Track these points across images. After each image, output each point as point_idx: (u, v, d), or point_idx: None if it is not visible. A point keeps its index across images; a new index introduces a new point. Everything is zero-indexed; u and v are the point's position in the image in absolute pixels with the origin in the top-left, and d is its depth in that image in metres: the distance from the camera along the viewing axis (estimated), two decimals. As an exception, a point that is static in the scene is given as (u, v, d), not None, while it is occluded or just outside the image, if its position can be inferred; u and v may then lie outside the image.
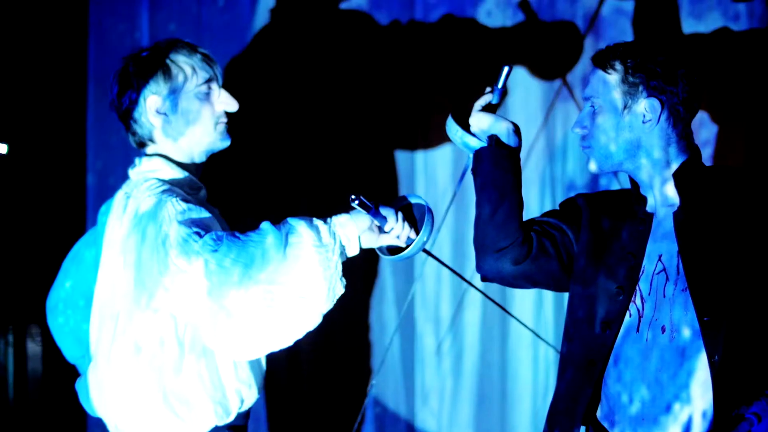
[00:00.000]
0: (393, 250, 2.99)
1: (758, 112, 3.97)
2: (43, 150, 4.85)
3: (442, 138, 4.49)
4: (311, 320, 2.71)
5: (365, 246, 2.84)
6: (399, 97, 4.57)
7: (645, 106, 2.70)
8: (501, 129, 2.87)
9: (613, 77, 2.72)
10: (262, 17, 4.72)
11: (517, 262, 2.86)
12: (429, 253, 3.07)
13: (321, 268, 2.67)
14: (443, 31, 4.48)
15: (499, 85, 2.89)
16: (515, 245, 2.85)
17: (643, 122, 2.71)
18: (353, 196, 2.72)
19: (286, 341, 2.72)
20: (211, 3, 4.81)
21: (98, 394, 2.88)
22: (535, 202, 4.33)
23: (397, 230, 2.89)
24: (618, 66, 2.72)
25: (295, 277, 2.64)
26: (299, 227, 2.70)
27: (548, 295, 4.33)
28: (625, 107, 2.71)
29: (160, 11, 4.88)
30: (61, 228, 4.83)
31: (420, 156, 4.56)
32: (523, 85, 4.38)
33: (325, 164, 4.63)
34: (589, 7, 4.28)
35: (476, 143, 2.89)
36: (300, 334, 2.72)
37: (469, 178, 3.03)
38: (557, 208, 3.03)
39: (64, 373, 3.56)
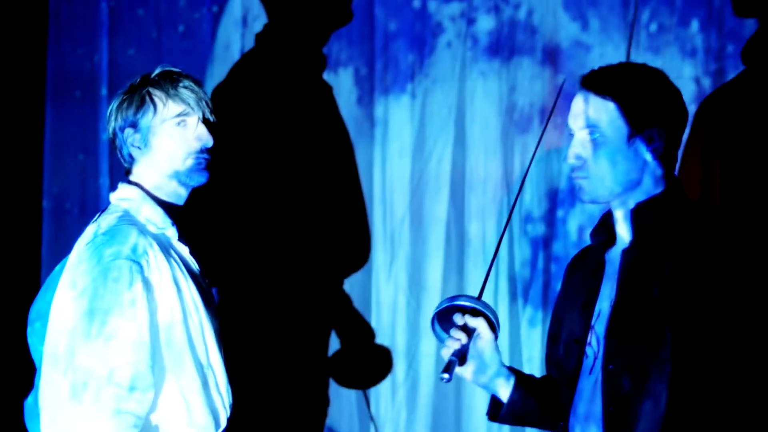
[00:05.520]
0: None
1: (714, 147, 4.00)
2: (-1, 173, 4.82)
3: (401, 160, 4.51)
4: None
5: None
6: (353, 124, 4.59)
7: (651, 133, 2.57)
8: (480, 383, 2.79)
9: (616, 104, 2.57)
10: (222, 45, 4.72)
11: None
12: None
13: None
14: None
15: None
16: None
17: (648, 150, 2.58)
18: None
19: None
20: (171, 29, 4.80)
21: (39, 425, 2.80)
22: (492, 234, 4.34)
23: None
24: (622, 92, 2.58)
25: None
26: None
27: (503, 327, 4.32)
28: (630, 136, 2.57)
29: (119, 36, 4.87)
30: (16, 252, 4.79)
31: (378, 181, 4.56)
32: (481, 116, 4.39)
33: (279, 192, 4.61)
34: (548, 39, 4.31)
35: (453, 345, 2.70)
36: None
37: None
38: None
39: (16, 397, 3.52)
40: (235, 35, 4.71)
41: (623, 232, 2.66)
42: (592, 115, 2.60)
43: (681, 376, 2.49)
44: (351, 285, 4.57)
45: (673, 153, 2.64)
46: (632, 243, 2.63)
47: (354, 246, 4.58)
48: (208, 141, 2.90)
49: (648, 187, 2.62)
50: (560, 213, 4.21)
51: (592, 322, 2.65)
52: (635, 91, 2.57)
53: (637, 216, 2.62)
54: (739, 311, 2.50)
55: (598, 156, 2.60)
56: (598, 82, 2.60)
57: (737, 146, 3.96)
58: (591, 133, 2.60)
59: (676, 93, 2.63)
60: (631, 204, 2.62)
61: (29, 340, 3.13)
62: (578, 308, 2.69)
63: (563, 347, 2.73)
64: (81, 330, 2.67)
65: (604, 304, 2.64)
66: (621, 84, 2.58)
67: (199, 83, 2.93)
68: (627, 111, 2.56)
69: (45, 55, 4.96)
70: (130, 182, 2.90)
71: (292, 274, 4.57)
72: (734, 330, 2.50)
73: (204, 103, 2.90)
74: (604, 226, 2.73)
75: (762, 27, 3.96)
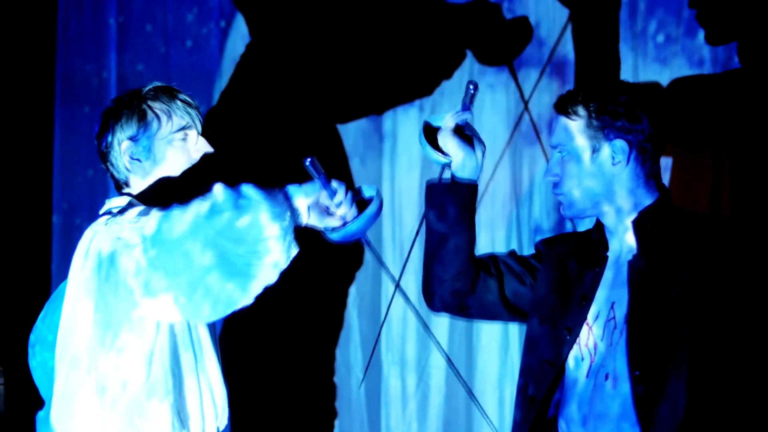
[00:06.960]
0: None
1: (723, 158, 4.00)
2: (9, 189, 4.83)
3: (410, 173, 4.52)
4: (268, 276, 2.67)
5: (312, 222, 2.79)
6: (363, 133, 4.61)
7: (613, 148, 2.67)
8: (459, 158, 2.87)
9: (578, 123, 2.69)
10: (230, 59, 4.73)
11: (458, 295, 2.86)
12: (367, 242, 2.96)
13: (275, 223, 2.63)
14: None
15: (466, 104, 2.91)
16: (458, 278, 2.85)
17: (613, 164, 2.67)
18: (308, 157, 2.70)
19: (242, 300, 2.69)
20: (179, 44, 4.82)
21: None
22: (501, 245, 4.34)
23: (344, 208, 2.83)
24: (581, 111, 2.68)
25: (247, 232, 2.60)
26: (250, 188, 2.67)
27: (514, 336, 4.33)
28: (593, 152, 2.68)
29: (127, 52, 4.89)
30: (27, 269, 4.80)
31: (387, 194, 4.57)
32: (489, 128, 4.40)
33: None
34: (555, 51, 4.31)
35: (444, 160, 2.89)
36: (256, 291, 2.68)
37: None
38: (522, 254, 3.02)
39: (27, 413, 3.54)
40: (243, 50, 4.73)
41: (616, 240, 2.75)
42: (559, 135, 2.74)
43: (699, 378, 2.54)
44: (361, 298, 4.59)
45: (647, 163, 2.71)
46: (637, 255, 2.69)
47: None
48: (208, 151, 2.94)
49: (623, 198, 2.71)
50: (569, 224, 4.22)
51: (590, 323, 2.68)
52: (594, 109, 2.68)
53: (639, 227, 2.70)
54: (754, 314, 2.59)
55: (567, 173, 2.73)
56: (565, 104, 2.73)
57: (745, 151, 3.97)
58: (560, 152, 2.74)
59: (644, 103, 2.70)
60: (626, 214, 2.71)
61: (30, 363, 3.15)
62: (575, 299, 2.75)
63: (549, 328, 2.76)
64: (98, 337, 2.72)
65: (603, 309, 2.70)
66: (582, 103, 2.70)
67: (192, 98, 2.98)
68: (587, 128, 2.69)
69: (54, 71, 4.98)
70: (121, 194, 2.93)
71: (298, 282, 4.58)
72: (749, 331, 2.59)
73: (200, 116, 2.96)
74: (599, 232, 2.80)
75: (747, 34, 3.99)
